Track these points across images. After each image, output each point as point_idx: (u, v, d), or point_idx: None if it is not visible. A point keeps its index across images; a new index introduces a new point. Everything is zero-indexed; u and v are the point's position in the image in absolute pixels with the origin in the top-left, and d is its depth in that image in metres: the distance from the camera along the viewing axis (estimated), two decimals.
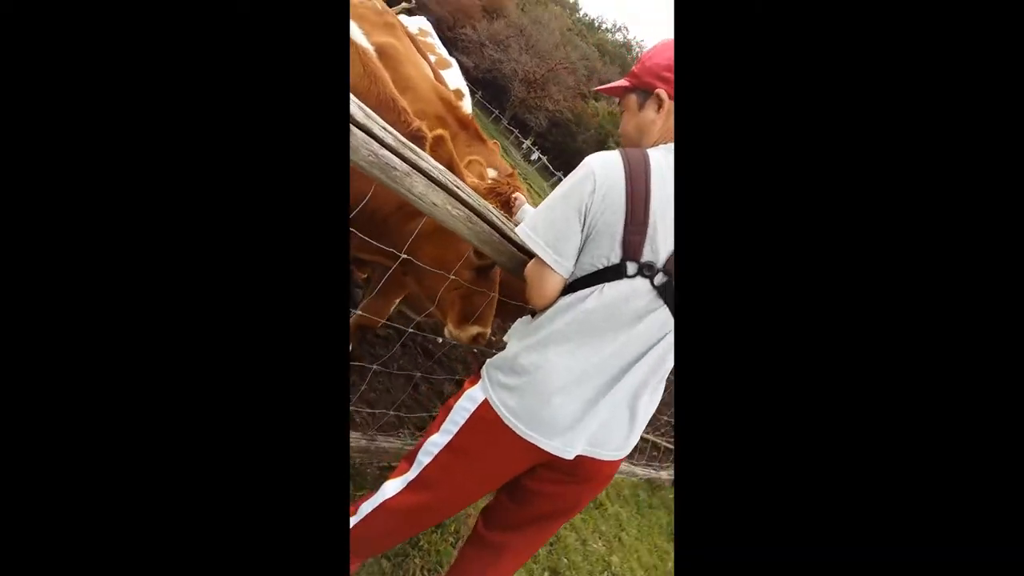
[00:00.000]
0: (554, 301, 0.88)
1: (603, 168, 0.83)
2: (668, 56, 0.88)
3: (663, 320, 0.85)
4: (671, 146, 0.86)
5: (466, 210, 0.92)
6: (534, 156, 18.31)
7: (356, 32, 1.57)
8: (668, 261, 0.80)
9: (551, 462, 0.88)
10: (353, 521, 0.97)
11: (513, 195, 1.24)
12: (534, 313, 0.97)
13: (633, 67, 0.96)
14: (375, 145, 0.75)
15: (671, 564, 2.45)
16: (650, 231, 0.79)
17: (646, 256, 0.81)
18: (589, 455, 0.88)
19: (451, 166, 1.05)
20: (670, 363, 0.91)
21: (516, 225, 1.02)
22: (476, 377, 1.01)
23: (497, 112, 18.48)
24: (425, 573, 1.38)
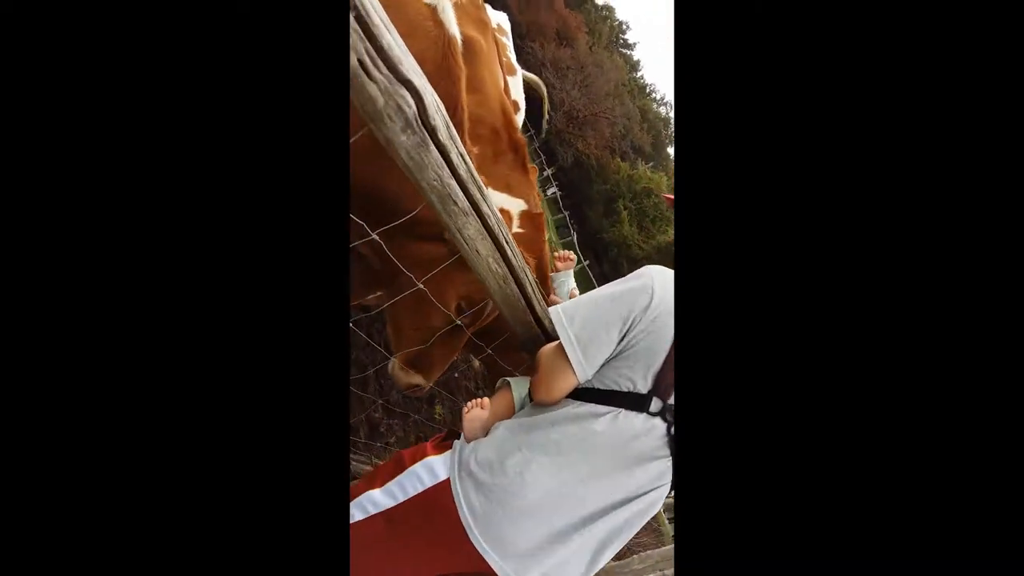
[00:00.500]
0: (558, 400, 0.77)
1: (663, 288, 0.74)
2: None
3: (662, 471, 0.76)
4: None
5: (506, 269, 0.80)
6: (551, 190, 18.38)
7: (449, 17, 1.45)
8: None
9: None
10: None
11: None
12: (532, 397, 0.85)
13: None
14: (446, 172, 0.63)
15: None
16: None
17: (675, 399, 0.71)
18: None
19: None
20: (650, 516, 0.81)
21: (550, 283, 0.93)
22: (445, 442, 0.88)
23: (532, 133, 18.59)
24: None
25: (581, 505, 0.74)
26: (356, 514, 0.80)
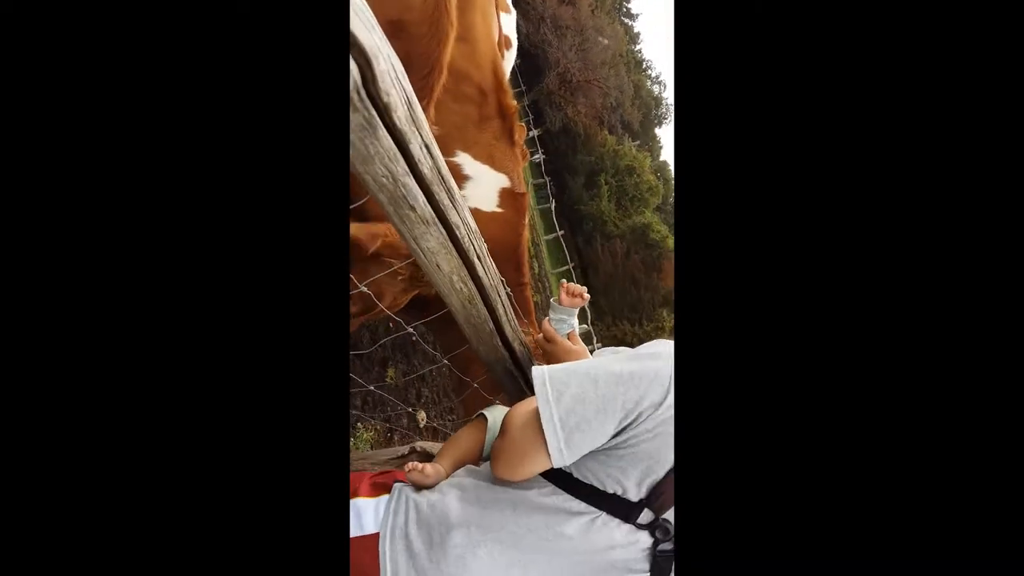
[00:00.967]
0: (521, 481, 0.62)
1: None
2: None
3: None
4: None
5: (473, 288, 0.64)
6: (536, 156, 17.84)
7: None
8: None
9: None
10: None
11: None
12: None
13: None
14: (400, 167, 0.45)
15: None
16: None
17: (668, 515, 0.57)
18: None
19: None
20: None
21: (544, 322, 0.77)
22: (385, 477, 0.73)
23: (523, 89, 17.83)
24: None
25: None
26: None
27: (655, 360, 0.58)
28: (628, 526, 0.58)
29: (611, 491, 0.58)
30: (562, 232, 16.49)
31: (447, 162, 1.45)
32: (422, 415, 3.20)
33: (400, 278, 1.07)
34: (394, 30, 1.21)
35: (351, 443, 2.56)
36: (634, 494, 0.58)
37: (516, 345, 0.82)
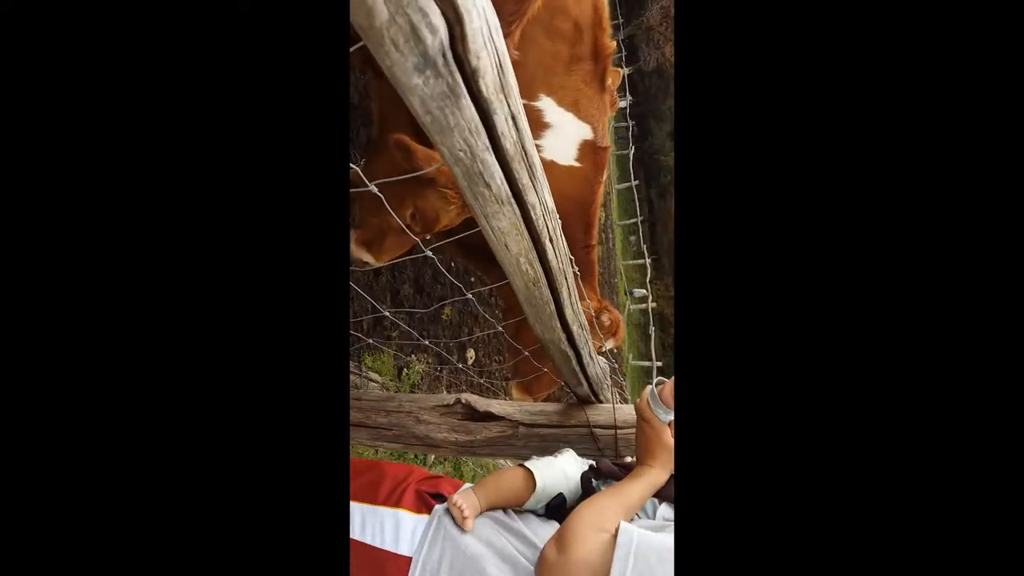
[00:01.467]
0: None
1: None
2: None
3: None
4: None
5: (540, 271, 0.59)
6: (624, 102, 16.54)
7: None
8: None
9: None
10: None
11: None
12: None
13: None
14: (482, 141, 0.39)
15: None
16: None
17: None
18: None
19: None
20: None
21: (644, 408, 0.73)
22: (432, 486, 0.76)
23: (620, 22, 16.42)
24: None
25: None
26: None
27: None
28: None
29: None
30: (636, 182, 15.67)
31: (528, 107, 1.36)
32: (471, 353, 3.30)
33: (453, 205, 1.08)
34: None
35: (405, 375, 2.68)
36: None
37: (575, 328, 0.77)
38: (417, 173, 0.96)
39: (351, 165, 0.49)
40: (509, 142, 0.41)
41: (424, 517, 0.73)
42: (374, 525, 0.70)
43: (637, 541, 0.56)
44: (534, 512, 0.78)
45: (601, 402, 1.11)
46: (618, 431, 1.02)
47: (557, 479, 0.78)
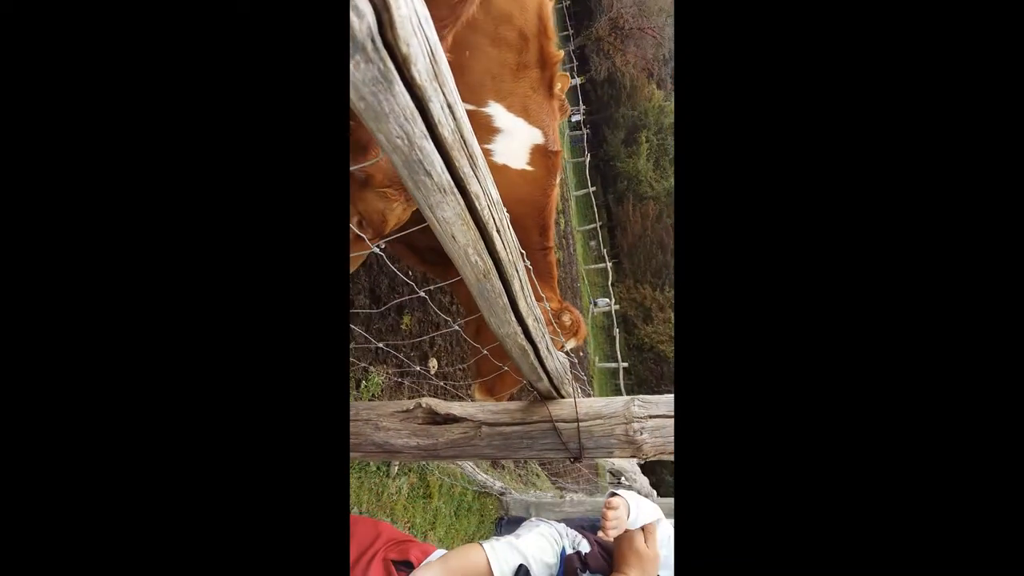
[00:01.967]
0: None
1: None
2: None
3: None
4: None
5: (490, 263, 0.59)
6: (577, 116, 16.92)
7: None
8: None
9: None
10: None
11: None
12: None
13: None
14: (419, 128, 0.40)
15: None
16: None
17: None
18: None
19: None
20: None
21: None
22: (400, 555, 0.76)
23: (571, 32, 16.82)
24: None
25: None
26: None
27: None
28: None
29: None
30: (593, 188, 16.02)
31: (477, 112, 1.37)
32: (433, 362, 3.26)
33: (396, 202, 1.07)
34: None
35: (363, 387, 2.63)
36: None
37: (530, 321, 0.78)
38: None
39: None
40: (447, 130, 0.41)
41: None
42: None
43: None
44: None
45: (563, 397, 1.12)
46: (580, 424, 1.04)
47: (512, 555, 0.80)
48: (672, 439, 0.95)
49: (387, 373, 2.85)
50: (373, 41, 0.32)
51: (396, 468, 2.49)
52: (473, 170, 0.47)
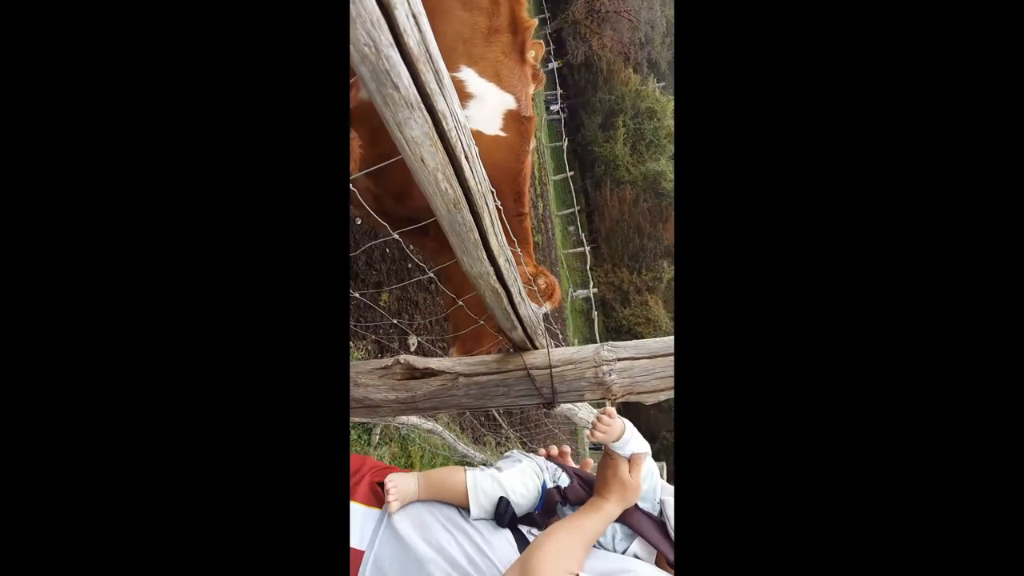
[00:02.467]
0: None
1: None
2: None
3: None
4: None
5: (460, 192, 0.62)
6: (555, 107, 16.89)
7: None
8: None
9: None
10: None
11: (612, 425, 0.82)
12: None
13: None
14: (385, 36, 0.42)
15: None
16: None
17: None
18: None
19: None
20: None
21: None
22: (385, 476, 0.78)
23: (547, 16, 16.68)
24: None
25: None
26: None
27: None
28: None
29: None
30: (571, 173, 16.08)
31: (450, 77, 1.37)
32: (413, 339, 3.28)
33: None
34: None
35: None
36: None
37: (502, 261, 0.81)
38: None
39: None
40: (412, 40, 0.44)
41: (375, 511, 0.76)
42: None
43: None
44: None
45: (536, 348, 1.16)
46: (553, 370, 1.08)
47: (493, 488, 0.81)
48: (639, 379, 1.00)
49: (367, 349, 2.86)
50: None
51: (377, 437, 2.51)
52: (440, 87, 0.49)
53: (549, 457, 0.94)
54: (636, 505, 0.79)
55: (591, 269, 15.15)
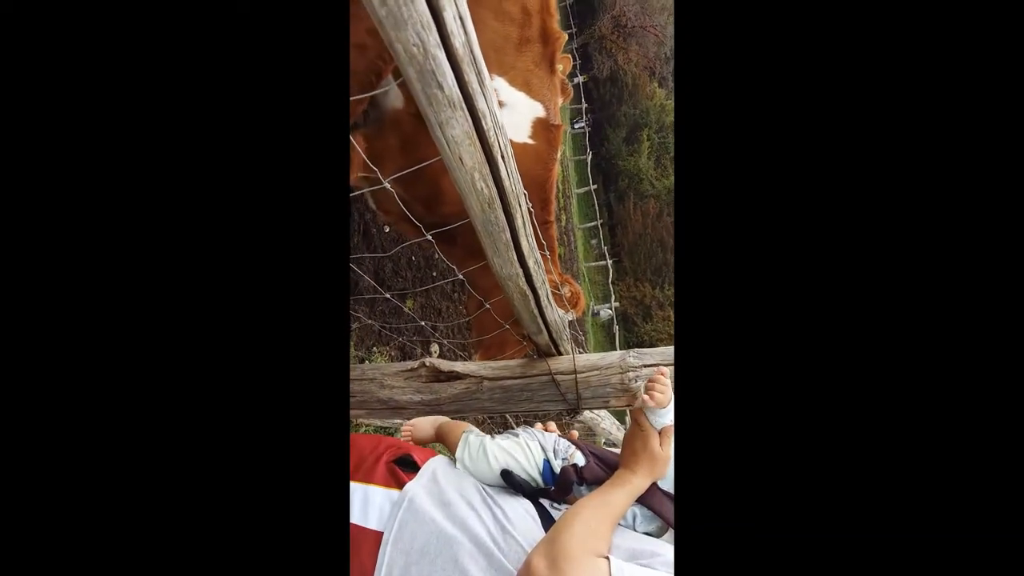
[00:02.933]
0: None
1: None
2: None
3: None
4: None
5: (495, 191, 0.63)
6: (579, 125, 16.97)
7: None
8: None
9: None
10: None
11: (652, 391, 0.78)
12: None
13: None
14: (433, 37, 0.43)
15: None
16: None
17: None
18: None
19: None
20: None
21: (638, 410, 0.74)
22: (403, 464, 0.80)
23: (574, 31, 16.86)
24: None
25: None
26: None
27: None
28: None
29: None
30: (595, 186, 16.07)
31: None
32: (435, 348, 3.30)
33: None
34: None
35: (368, 360, 2.67)
36: None
37: (531, 263, 0.82)
38: None
39: None
40: (459, 41, 0.45)
41: (394, 492, 0.75)
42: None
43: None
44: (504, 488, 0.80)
45: (561, 354, 1.16)
46: (578, 375, 1.08)
47: (478, 450, 0.82)
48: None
49: (390, 355, 2.89)
50: None
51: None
52: (481, 87, 0.51)
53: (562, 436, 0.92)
54: (658, 486, 0.76)
55: (613, 283, 15.04)
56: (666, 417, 0.75)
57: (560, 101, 1.80)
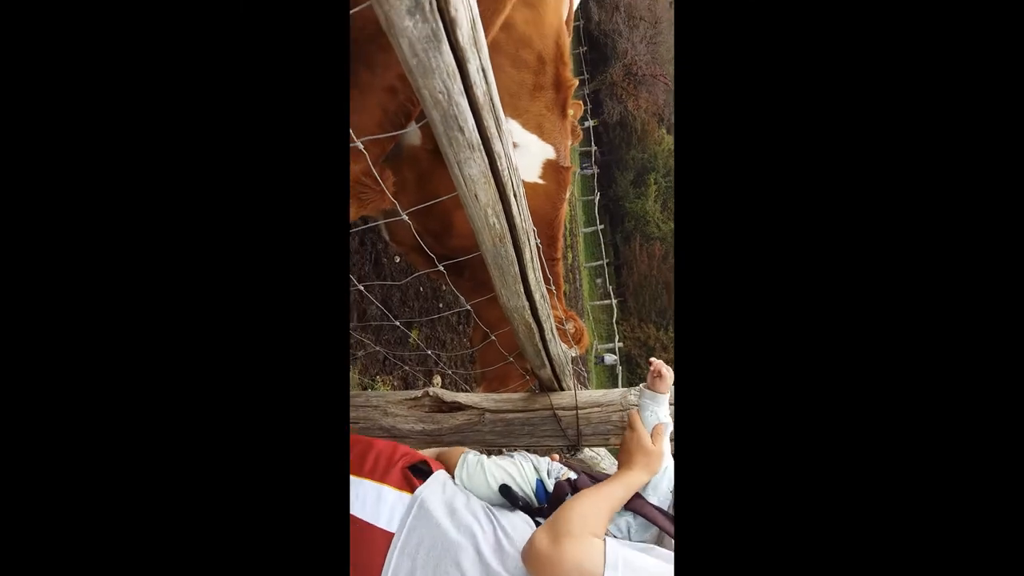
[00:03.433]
0: None
1: None
2: None
3: None
4: None
5: (506, 226, 0.66)
6: (588, 169, 17.43)
7: None
8: None
9: None
10: None
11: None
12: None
13: None
14: (458, 85, 0.48)
15: None
16: None
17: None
18: None
19: None
20: None
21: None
22: (419, 468, 0.83)
23: (586, 77, 17.52)
24: None
25: None
26: None
27: None
28: None
29: None
30: (601, 226, 16.29)
31: None
32: (437, 380, 3.30)
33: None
34: None
35: (372, 388, 2.66)
36: None
37: (537, 296, 0.84)
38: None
39: None
40: (480, 91, 0.50)
41: (406, 496, 0.78)
42: (357, 496, 0.74)
43: (624, 558, 0.61)
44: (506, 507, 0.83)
45: (563, 389, 1.17)
46: (579, 411, 1.08)
47: (476, 468, 0.87)
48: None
49: (392, 384, 2.89)
50: (430, 3, 0.41)
51: None
52: (498, 131, 0.55)
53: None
54: (648, 500, 0.79)
55: (617, 323, 15.00)
56: (663, 410, 0.83)
57: (570, 143, 1.88)
